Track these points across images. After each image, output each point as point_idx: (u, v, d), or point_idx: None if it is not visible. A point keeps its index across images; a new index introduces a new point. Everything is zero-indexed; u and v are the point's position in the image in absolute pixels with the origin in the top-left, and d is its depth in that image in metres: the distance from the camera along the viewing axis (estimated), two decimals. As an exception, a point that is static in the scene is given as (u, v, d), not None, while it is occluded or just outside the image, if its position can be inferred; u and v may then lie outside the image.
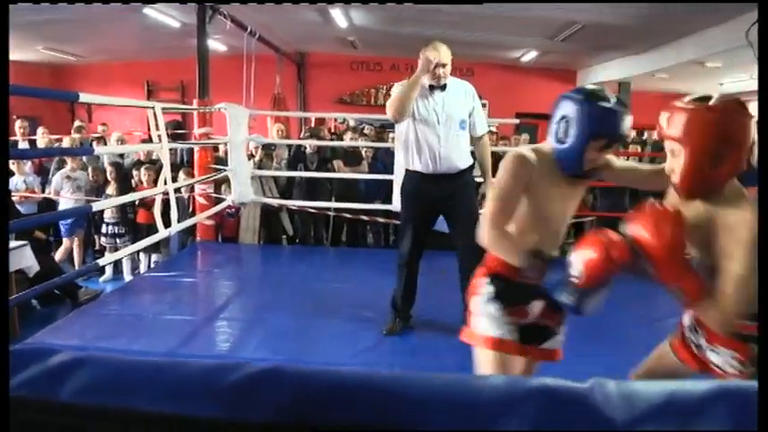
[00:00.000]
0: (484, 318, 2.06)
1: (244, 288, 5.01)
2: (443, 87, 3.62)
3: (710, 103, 1.66)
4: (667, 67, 9.16)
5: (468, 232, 3.53)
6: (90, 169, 6.86)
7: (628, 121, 1.88)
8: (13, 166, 6.54)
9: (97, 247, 6.80)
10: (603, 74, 11.37)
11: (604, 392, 0.71)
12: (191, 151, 7.20)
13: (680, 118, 1.68)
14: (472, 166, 3.81)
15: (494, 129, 10.12)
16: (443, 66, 3.54)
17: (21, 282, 4.85)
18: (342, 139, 7.88)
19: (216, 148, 7.13)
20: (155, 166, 6.40)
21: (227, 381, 0.71)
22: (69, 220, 6.47)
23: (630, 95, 11.49)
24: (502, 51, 10.77)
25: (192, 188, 6.60)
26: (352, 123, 10.78)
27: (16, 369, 0.68)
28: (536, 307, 2.07)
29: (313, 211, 6.85)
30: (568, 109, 1.90)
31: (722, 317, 1.67)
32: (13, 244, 4.88)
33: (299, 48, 12.23)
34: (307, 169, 6.92)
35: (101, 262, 4.52)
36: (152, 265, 6.49)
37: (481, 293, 2.08)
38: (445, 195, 3.66)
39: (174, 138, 9.36)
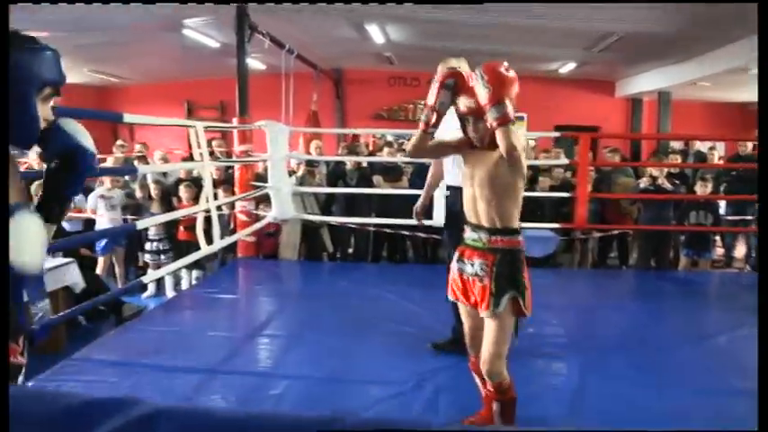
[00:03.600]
0: None
1: (284, 305, 5.01)
2: None
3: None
4: (710, 76, 8.98)
5: None
6: (138, 187, 7.01)
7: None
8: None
9: (140, 264, 6.89)
10: (643, 84, 11.20)
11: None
12: (228, 169, 7.28)
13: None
14: None
15: (533, 142, 10.06)
16: None
17: (67, 298, 4.94)
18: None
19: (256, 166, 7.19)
20: (194, 184, 6.48)
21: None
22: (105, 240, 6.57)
23: (671, 105, 11.31)
24: (539, 64, 10.70)
25: (232, 205, 6.66)
26: (389, 138, 10.81)
27: (98, 420, 0.68)
28: None
29: (353, 226, 6.85)
30: None
31: None
32: (59, 261, 5.00)
33: (337, 64, 12.30)
34: (346, 185, 6.95)
35: (144, 279, 4.57)
36: (193, 282, 6.54)
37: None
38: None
39: (213, 156, 9.48)
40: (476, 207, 2.51)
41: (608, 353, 3.82)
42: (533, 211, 6.95)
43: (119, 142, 8.62)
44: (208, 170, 5.31)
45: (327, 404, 3.10)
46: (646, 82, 11.05)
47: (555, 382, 3.39)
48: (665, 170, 6.78)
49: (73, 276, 5.03)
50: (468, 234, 2.57)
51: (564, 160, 7.45)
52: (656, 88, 10.86)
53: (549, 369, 3.59)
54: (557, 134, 8.54)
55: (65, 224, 6.40)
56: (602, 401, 3.09)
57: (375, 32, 8.60)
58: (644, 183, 6.76)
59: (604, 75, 11.76)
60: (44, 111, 1.57)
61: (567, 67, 10.79)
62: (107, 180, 6.75)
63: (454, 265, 2.62)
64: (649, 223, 6.63)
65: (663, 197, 6.56)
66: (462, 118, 2.53)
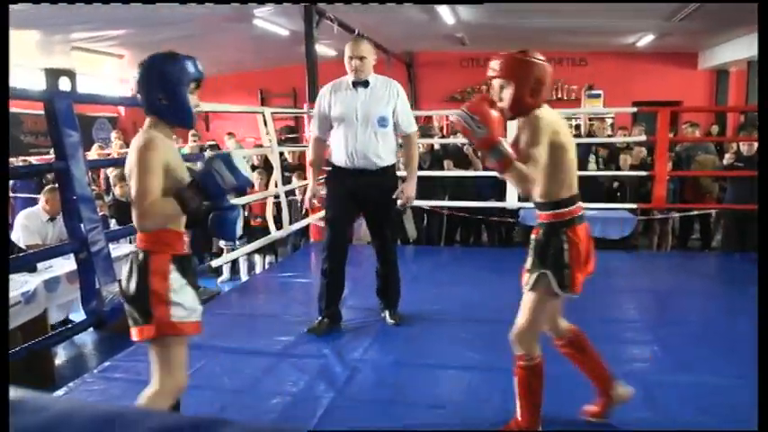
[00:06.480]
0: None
1: (356, 289, 4.95)
2: (366, 84, 3.65)
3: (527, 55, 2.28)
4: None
5: (379, 233, 3.92)
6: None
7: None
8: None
9: (215, 250, 7.01)
10: (730, 53, 10.48)
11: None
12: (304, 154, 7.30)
13: (509, 63, 2.29)
14: (394, 165, 3.88)
15: (610, 120, 9.70)
16: (360, 59, 3.58)
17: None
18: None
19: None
20: (266, 170, 6.53)
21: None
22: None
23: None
24: (616, 38, 10.30)
25: (305, 190, 6.68)
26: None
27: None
28: None
29: (427, 208, 6.78)
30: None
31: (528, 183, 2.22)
32: (132, 248, 5.11)
33: (408, 48, 12.21)
34: (420, 168, 6.87)
35: (213, 263, 4.64)
36: (267, 267, 6.60)
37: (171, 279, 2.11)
38: (363, 192, 3.73)
39: (286, 141, 9.58)
40: None
41: (687, 341, 3.58)
42: (612, 191, 6.71)
43: (191, 132, 8.78)
44: (276, 155, 5.32)
45: (395, 389, 3.05)
46: (733, 51, 10.31)
47: (628, 369, 3.11)
48: (756, 145, 6.35)
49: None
50: None
51: (642, 137, 7.16)
52: (745, 57, 10.03)
53: (622, 355, 3.32)
54: (633, 110, 8.20)
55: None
56: (679, 391, 2.88)
57: (445, 13, 8.46)
58: (728, 158, 6.40)
59: (686, 46, 11.18)
60: (192, 99, 2.17)
61: (645, 40, 10.31)
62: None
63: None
64: (736, 202, 6.18)
65: (751, 174, 6.13)
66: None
